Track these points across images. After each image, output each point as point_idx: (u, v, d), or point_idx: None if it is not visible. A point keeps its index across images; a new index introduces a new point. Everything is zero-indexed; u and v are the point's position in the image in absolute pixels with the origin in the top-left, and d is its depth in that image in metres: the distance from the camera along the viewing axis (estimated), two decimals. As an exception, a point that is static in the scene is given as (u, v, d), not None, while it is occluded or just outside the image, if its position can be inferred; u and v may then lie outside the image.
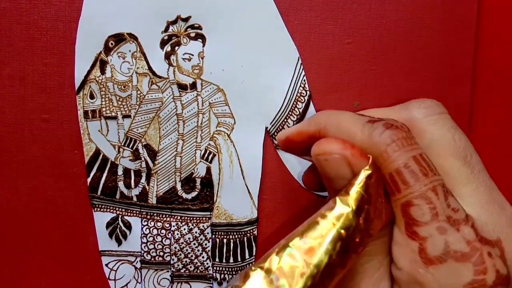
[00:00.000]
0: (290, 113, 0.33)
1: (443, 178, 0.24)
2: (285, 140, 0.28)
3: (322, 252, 0.22)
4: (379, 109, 0.29)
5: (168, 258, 0.35)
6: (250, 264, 0.23)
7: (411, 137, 0.23)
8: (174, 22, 0.33)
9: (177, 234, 0.34)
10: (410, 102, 0.26)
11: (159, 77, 0.33)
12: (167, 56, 0.33)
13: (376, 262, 0.25)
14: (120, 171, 0.34)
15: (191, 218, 0.34)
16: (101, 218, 0.34)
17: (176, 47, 0.33)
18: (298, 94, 0.33)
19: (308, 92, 0.33)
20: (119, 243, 0.35)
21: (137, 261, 0.35)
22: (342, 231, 0.23)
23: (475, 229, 0.23)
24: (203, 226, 0.34)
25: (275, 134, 0.34)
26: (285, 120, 0.34)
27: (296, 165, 0.34)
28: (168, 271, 0.35)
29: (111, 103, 0.33)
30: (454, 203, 0.23)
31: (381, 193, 0.24)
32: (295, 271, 0.22)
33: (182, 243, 0.35)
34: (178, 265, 0.35)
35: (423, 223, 0.22)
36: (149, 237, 0.35)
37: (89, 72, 0.33)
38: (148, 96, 0.33)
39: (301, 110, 0.33)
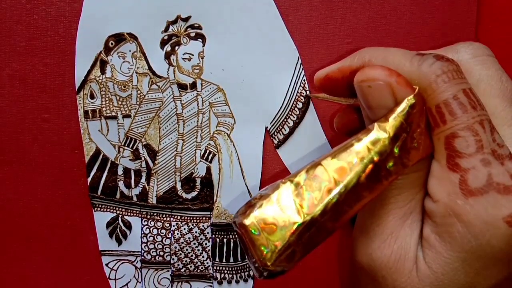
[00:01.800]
0: (290, 112, 0.34)
1: None
2: (324, 77, 0.28)
3: (352, 173, 0.22)
4: (423, 51, 0.29)
5: (168, 258, 0.35)
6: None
7: (460, 70, 0.23)
8: (174, 22, 0.33)
9: (177, 233, 0.35)
10: (458, 44, 0.26)
11: (159, 77, 0.33)
12: (167, 56, 0.33)
13: (409, 195, 0.24)
14: (120, 171, 0.34)
15: (191, 218, 0.34)
16: (101, 218, 0.34)
17: (176, 47, 0.33)
18: (298, 94, 0.33)
19: (308, 92, 0.33)
20: (119, 242, 0.35)
21: (137, 261, 0.35)
22: (375, 155, 0.23)
23: None
24: (203, 225, 0.34)
25: (275, 133, 0.34)
26: (285, 119, 0.34)
27: (296, 165, 0.34)
28: (168, 271, 0.35)
29: (111, 103, 0.33)
30: (500, 139, 0.23)
31: (422, 126, 0.23)
32: (322, 186, 0.22)
33: (182, 242, 0.35)
34: (178, 265, 0.35)
35: (466, 154, 0.22)
36: (149, 236, 0.35)
37: (89, 72, 0.33)
38: (148, 96, 0.33)
39: (301, 110, 0.33)
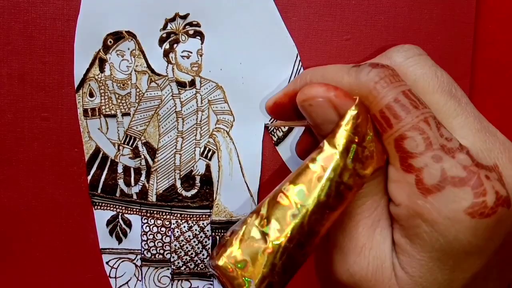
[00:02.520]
0: (289, 110, 0.34)
1: None
2: (273, 105, 0.29)
3: (312, 194, 0.23)
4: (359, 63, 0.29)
5: (168, 256, 0.35)
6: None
7: (397, 74, 0.23)
8: (173, 19, 0.33)
9: (177, 231, 0.35)
10: (389, 50, 0.26)
11: (158, 74, 0.33)
12: (166, 54, 0.33)
13: (373, 202, 0.24)
14: (120, 169, 0.34)
15: (191, 216, 0.34)
16: (101, 216, 0.34)
17: (175, 45, 0.33)
18: (297, 91, 0.33)
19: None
20: (120, 241, 0.35)
21: (138, 259, 0.35)
22: (331, 172, 0.23)
23: (470, 156, 0.22)
24: (203, 223, 0.34)
25: (274, 131, 0.34)
26: (284, 117, 0.34)
27: (295, 162, 0.34)
28: (168, 269, 0.35)
29: (110, 101, 0.33)
30: (447, 133, 0.23)
31: (370, 134, 0.23)
32: (287, 213, 0.23)
33: (182, 240, 0.35)
34: (178, 263, 0.35)
35: (417, 154, 0.22)
36: (149, 235, 0.35)
37: (88, 70, 0.33)
38: (147, 94, 0.33)
39: (300, 107, 0.33)
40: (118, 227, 0.34)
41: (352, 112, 0.23)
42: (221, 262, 0.23)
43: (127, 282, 0.35)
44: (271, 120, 0.34)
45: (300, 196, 0.23)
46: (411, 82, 0.24)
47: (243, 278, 0.22)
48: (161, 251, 0.35)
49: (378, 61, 0.25)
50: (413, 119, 0.22)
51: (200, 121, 0.34)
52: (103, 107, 0.33)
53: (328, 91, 0.23)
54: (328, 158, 0.23)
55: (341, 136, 0.23)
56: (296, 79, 0.27)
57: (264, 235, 0.23)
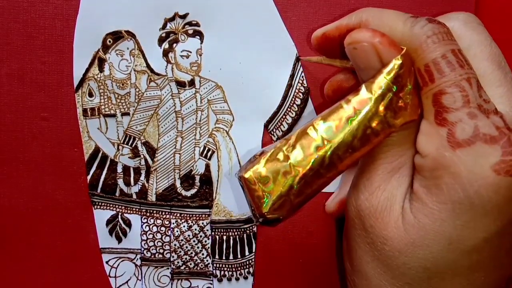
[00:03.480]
0: (289, 109, 0.33)
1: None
2: (321, 36, 0.28)
3: (339, 132, 0.24)
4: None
5: (168, 255, 0.35)
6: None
7: (450, 33, 0.24)
8: (172, 19, 0.33)
9: (177, 231, 0.35)
10: (449, 13, 0.27)
11: (158, 74, 0.33)
12: (165, 54, 0.33)
13: (398, 151, 0.25)
14: (119, 169, 0.34)
15: (191, 215, 0.34)
16: (101, 216, 0.34)
17: (174, 44, 0.33)
18: (297, 90, 0.33)
19: (306, 88, 0.33)
20: (119, 240, 0.35)
21: (137, 259, 0.35)
22: (361, 115, 0.24)
23: (504, 119, 0.23)
24: (202, 223, 0.35)
25: (274, 130, 0.34)
26: (284, 116, 0.34)
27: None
28: (168, 268, 0.35)
29: (109, 101, 0.33)
30: (485, 96, 0.23)
31: (409, 86, 0.24)
32: (312, 144, 0.25)
33: (182, 240, 0.35)
34: (178, 262, 0.35)
35: (453, 109, 0.23)
36: (149, 234, 0.35)
37: (87, 70, 0.33)
38: (146, 94, 0.33)
39: (299, 107, 0.33)
40: (117, 227, 0.34)
41: (396, 61, 0.24)
42: (247, 174, 0.25)
43: (127, 282, 0.35)
44: (270, 119, 0.34)
45: (327, 132, 0.24)
46: (465, 46, 0.25)
47: (263, 192, 0.25)
48: (161, 251, 0.35)
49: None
50: (456, 76, 0.23)
51: (200, 120, 0.34)
52: (103, 107, 0.33)
53: (374, 37, 0.24)
54: (362, 101, 0.24)
55: (380, 82, 0.24)
56: (351, 15, 0.27)
57: (288, 159, 0.25)
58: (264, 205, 0.25)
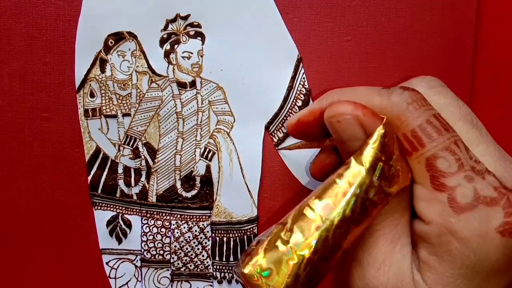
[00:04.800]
0: (290, 111, 0.33)
1: None
2: (296, 122, 0.29)
3: (337, 208, 0.23)
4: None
5: (168, 257, 0.35)
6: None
7: (425, 99, 0.24)
8: (173, 20, 0.33)
9: (177, 232, 0.34)
10: (411, 79, 0.27)
11: (159, 75, 0.33)
12: (167, 55, 0.33)
13: (393, 220, 0.25)
14: (120, 170, 0.34)
15: (191, 217, 0.34)
16: (101, 217, 0.34)
17: (176, 45, 0.33)
18: (298, 92, 0.33)
19: (307, 90, 0.33)
20: (120, 241, 0.35)
21: (137, 260, 0.35)
22: (356, 188, 0.24)
23: (497, 178, 0.24)
24: (202, 224, 0.34)
25: (275, 132, 0.34)
26: (285, 118, 0.33)
27: (296, 163, 0.34)
28: (168, 270, 0.35)
29: (111, 102, 0.34)
30: (474, 156, 0.24)
31: (396, 153, 0.24)
32: (312, 226, 0.23)
33: (182, 241, 0.35)
34: (178, 264, 0.35)
35: (450, 173, 0.23)
36: (149, 235, 0.35)
37: (89, 70, 0.33)
38: (147, 95, 0.33)
39: (300, 108, 0.33)
40: (118, 228, 0.34)
41: (380, 131, 0.24)
42: (246, 270, 0.24)
43: (126, 283, 0.35)
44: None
45: (325, 210, 0.24)
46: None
47: (267, 286, 0.23)
48: (161, 252, 0.35)
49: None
50: (445, 140, 0.23)
51: (201, 121, 0.34)
52: (104, 108, 0.34)
53: (356, 109, 0.24)
54: (354, 174, 0.24)
55: (368, 153, 0.24)
56: (322, 98, 0.28)
57: (289, 246, 0.23)
58: None
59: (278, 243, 0.24)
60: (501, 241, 0.23)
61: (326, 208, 0.24)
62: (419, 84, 0.26)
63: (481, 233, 0.23)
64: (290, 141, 0.34)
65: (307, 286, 0.24)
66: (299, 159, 0.34)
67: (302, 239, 0.23)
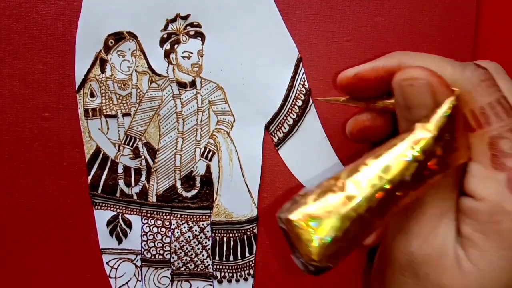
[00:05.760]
0: (290, 110, 0.33)
1: None
2: (353, 76, 0.28)
3: (397, 170, 0.23)
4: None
5: (168, 257, 0.35)
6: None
7: (495, 80, 0.24)
8: (173, 20, 0.33)
9: (177, 232, 0.35)
10: (479, 61, 0.27)
11: (159, 75, 0.33)
12: (167, 54, 0.33)
13: (444, 194, 0.25)
14: (120, 169, 0.34)
15: (191, 216, 0.34)
16: (101, 216, 0.34)
17: (176, 45, 0.33)
18: (298, 92, 0.33)
19: (307, 90, 0.33)
20: (120, 241, 0.35)
21: (138, 259, 0.35)
22: (420, 154, 0.23)
23: None
24: (203, 224, 0.34)
25: (275, 132, 0.34)
26: (285, 117, 0.33)
27: (296, 163, 0.34)
28: (168, 270, 0.35)
29: (111, 102, 0.34)
30: None
31: (461, 128, 0.24)
32: (367, 182, 0.23)
33: (182, 241, 0.35)
34: (178, 264, 0.35)
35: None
36: (149, 235, 0.35)
37: (89, 70, 0.33)
38: (147, 94, 0.33)
39: (300, 108, 0.33)
40: (118, 227, 0.34)
41: (452, 102, 0.23)
42: (294, 216, 0.22)
43: (127, 283, 0.35)
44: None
45: (384, 170, 0.23)
46: None
47: (314, 236, 0.22)
48: (161, 252, 0.35)
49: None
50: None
51: (201, 121, 0.34)
52: (104, 108, 0.34)
53: (432, 76, 0.24)
54: (419, 140, 0.23)
55: (437, 122, 0.23)
56: (388, 57, 0.27)
57: (342, 200, 0.22)
58: (316, 251, 0.22)
59: (330, 195, 0.23)
60: None
61: (385, 168, 0.23)
62: (488, 66, 0.26)
63: None
64: (290, 141, 0.34)
65: (353, 242, 0.23)
66: (299, 159, 0.34)
67: (356, 195, 0.22)
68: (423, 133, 0.23)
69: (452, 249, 0.24)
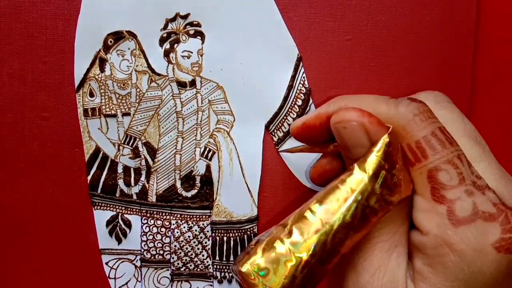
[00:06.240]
0: (290, 110, 0.33)
1: None
2: (301, 126, 0.29)
3: (338, 213, 0.24)
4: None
5: (168, 257, 0.35)
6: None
7: (432, 112, 0.25)
8: (173, 19, 0.33)
9: (177, 232, 0.34)
10: (418, 93, 0.28)
11: (158, 74, 0.33)
12: (166, 54, 0.33)
13: (392, 228, 0.25)
14: (120, 169, 0.34)
15: (191, 216, 0.34)
16: (101, 216, 0.34)
17: (175, 45, 0.33)
18: (298, 91, 0.33)
19: (307, 89, 0.33)
20: (119, 241, 0.35)
21: (137, 260, 0.35)
22: (358, 195, 0.24)
23: (497, 195, 0.24)
24: (203, 224, 0.34)
25: (275, 131, 0.34)
26: (285, 117, 0.33)
27: (296, 163, 0.34)
28: (168, 270, 0.35)
29: (110, 101, 0.33)
30: (476, 171, 0.24)
31: (399, 162, 0.24)
32: (311, 229, 0.24)
33: (182, 241, 0.34)
34: (178, 264, 0.35)
35: (451, 186, 0.23)
36: (149, 235, 0.34)
37: (88, 70, 0.33)
38: (147, 94, 0.33)
39: (300, 107, 0.33)
40: (117, 228, 0.34)
41: (385, 139, 0.24)
42: (244, 268, 0.24)
43: (126, 283, 0.35)
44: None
45: (326, 214, 0.24)
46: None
47: (264, 286, 0.23)
48: (161, 252, 0.35)
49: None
50: (449, 153, 0.24)
51: (201, 121, 0.34)
52: (103, 107, 0.33)
53: (362, 116, 0.24)
54: (357, 181, 0.24)
55: (372, 161, 0.24)
56: (329, 103, 0.28)
57: (288, 247, 0.24)
58: None
59: (277, 243, 0.24)
60: (496, 257, 0.23)
61: (327, 212, 0.24)
62: (426, 98, 0.27)
63: (477, 247, 0.23)
64: (291, 141, 0.34)
65: (303, 287, 0.24)
66: (299, 159, 0.34)
67: (301, 241, 0.23)
68: (359, 174, 0.24)
69: (402, 284, 0.25)
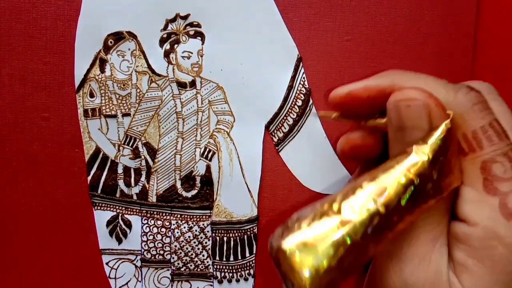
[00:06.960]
0: (290, 110, 0.33)
1: None
2: (345, 94, 0.27)
3: (393, 195, 0.22)
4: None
5: (168, 257, 0.35)
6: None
7: (487, 102, 0.24)
8: (173, 20, 0.33)
9: (177, 232, 0.34)
10: (470, 82, 0.26)
11: (159, 75, 0.33)
12: (166, 54, 0.33)
13: (437, 219, 0.25)
14: (120, 170, 0.34)
15: (191, 216, 0.34)
16: (101, 217, 0.34)
17: (175, 45, 0.33)
18: (298, 92, 0.33)
19: (307, 89, 0.33)
20: (120, 241, 0.35)
21: (138, 260, 0.35)
22: (415, 178, 0.23)
23: None
24: (203, 224, 0.34)
25: (275, 131, 0.34)
26: (285, 117, 0.33)
27: (296, 163, 0.34)
28: (168, 270, 0.35)
29: (110, 102, 0.33)
30: None
31: (455, 151, 0.24)
32: (363, 208, 0.22)
33: (182, 241, 0.35)
34: (178, 264, 0.35)
35: (505, 179, 0.23)
36: (149, 235, 0.35)
37: (88, 70, 0.33)
38: (147, 94, 0.33)
39: (300, 108, 0.33)
40: (118, 228, 0.34)
41: (447, 125, 0.23)
42: (286, 245, 0.21)
43: (126, 283, 0.35)
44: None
45: (379, 194, 0.22)
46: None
47: (308, 266, 0.21)
48: (161, 252, 0.35)
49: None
50: (504, 146, 0.23)
51: (201, 121, 0.34)
52: (104, 108, 0.33)
53: (429, 98, 0.24)
54: (415, 164, 0.23)
55: (433, 145, 0.23)
56: (380, 76, 0.26)
57: (337, 225, 0.21)
58: (310, 282, 0.21)
59: (325, 219, 0.22)
60: None
61: (380, 192, 0.22)
62: (480, 87, 0.26)
63: None
64: (290, 141, 0.34)
65: (347, 271, 0.22)
66: (299, 159, 0.34)
67: (353, 220, 0.22)
68: (419, 156, 0.23)
69: (445, 275, 0.24)
